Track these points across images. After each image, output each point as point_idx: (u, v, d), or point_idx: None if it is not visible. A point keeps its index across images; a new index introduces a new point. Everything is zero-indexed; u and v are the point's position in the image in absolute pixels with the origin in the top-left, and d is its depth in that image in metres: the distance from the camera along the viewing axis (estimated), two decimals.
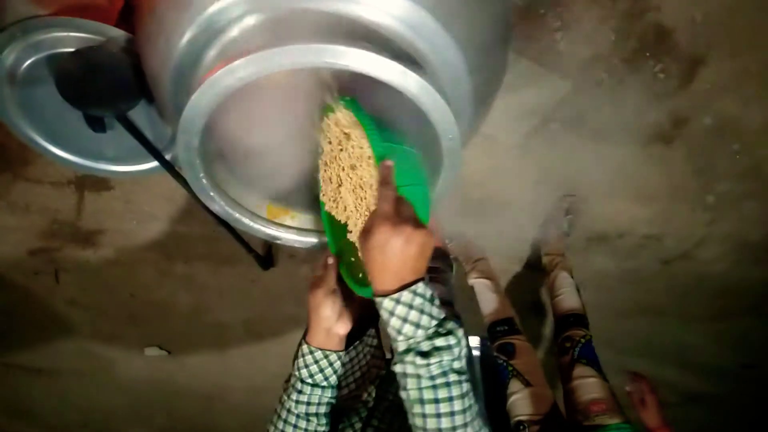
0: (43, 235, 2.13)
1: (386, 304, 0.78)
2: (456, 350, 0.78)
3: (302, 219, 1.20)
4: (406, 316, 0.78)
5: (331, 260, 1.03)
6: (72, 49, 1.21)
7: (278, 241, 1.17)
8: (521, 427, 1.68)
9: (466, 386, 0.79)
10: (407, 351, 0.79)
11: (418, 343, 0.78)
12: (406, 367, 0.79)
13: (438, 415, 0.79)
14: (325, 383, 1.00)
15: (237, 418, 3.16)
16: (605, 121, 1.83)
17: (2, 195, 1.95)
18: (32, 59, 1.26)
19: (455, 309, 1.43)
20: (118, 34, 1.23)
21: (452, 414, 0.78)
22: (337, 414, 1.10)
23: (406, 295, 0.77)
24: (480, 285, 2.14)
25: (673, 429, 1.65)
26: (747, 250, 2.35)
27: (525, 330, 1.98)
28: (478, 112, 1.10)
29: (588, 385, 1.75)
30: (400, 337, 0.79)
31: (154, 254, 2.22)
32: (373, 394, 1.11)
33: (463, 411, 0.78)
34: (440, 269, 1.57)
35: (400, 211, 0.79)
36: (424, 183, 0.92)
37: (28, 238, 2.14)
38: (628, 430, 1.62)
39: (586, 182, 2.07)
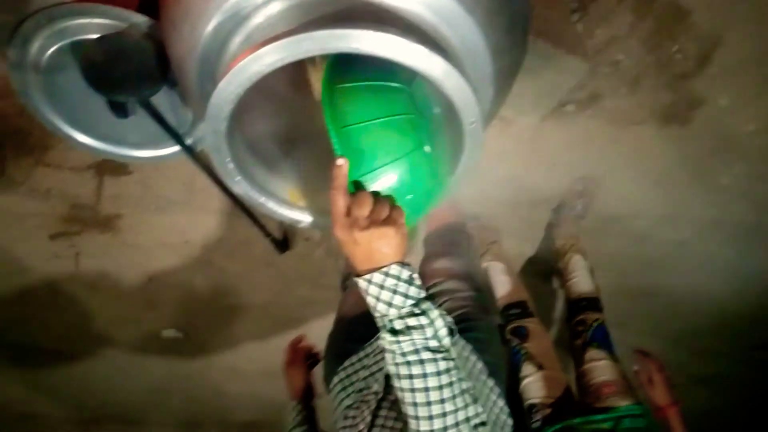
0: (63, 220, 2.16)
1: (360, 283, 0.83)
2: (429, 330, 0.81)
3: (323, 202, 1.22)
4: (378, 295, 0.82)
5: None
6: (96, 36, 1.22)
7: (301, 225, 1.19)
8: (534, 411, 1.70)
9: (443, 364, 0.82)
10: (382, 328, 0.84)
11: (391, 321, 0.82)
12: (383, 343, 0.84)
13: (412, 390, 0.83)
14: None
15: (252, 400, 3.21)
16: (621, 102, 1.83)
17: (23, 180, 1.98)
18: (56, 46, 1.28)
19: (476, 282, 1.45)
20: (141, 19, 1.24)
21: (426, 390, 0.82)
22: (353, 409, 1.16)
23: (377, 276, 0.82)
24: (493, 268, 2.16)
25: (680, 406, 1.67)
26: (761, 232, 2.35)
27: (538, 313, 2.00)
28: (498, 96, 1.11)
29: (599, 368, 1.77)
30: (376, 314, 0.84)
31: (171, 238, 2.25)
32: (383, 384, 1.15)
33: (439, 388, 0.82)
34: (460, 243, 1.59)
35: (351, 211, 0.83)
36: (414, 149, 0.91)
37: (49, 223, 2.17)
38: (639, 410, 1.64)
39: (600, 164, 2.08)
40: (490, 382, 1.18)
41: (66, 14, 1.23)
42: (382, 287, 0.82)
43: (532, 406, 1.71)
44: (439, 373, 0.82)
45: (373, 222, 0.82)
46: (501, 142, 1.95)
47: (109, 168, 1.96)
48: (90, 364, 2.88)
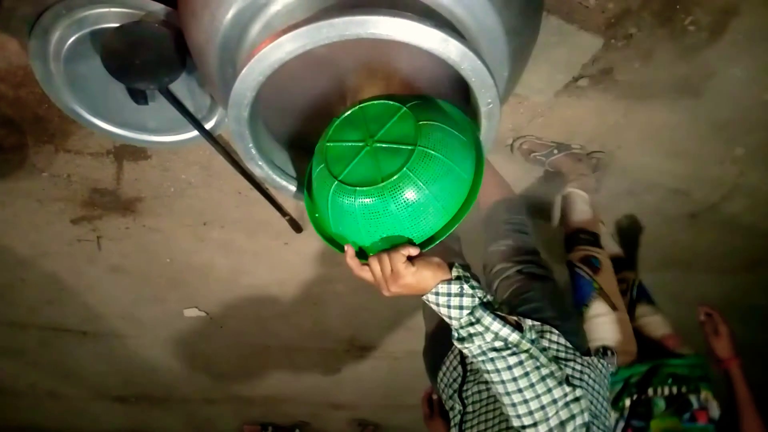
0: (84, 205, 2.20)
1: (424, 300, 0.96)
2: (488, 335, 0.91)
3: None
4: (440, 311, 0.94)
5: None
6: (115, 25, 1.25)
7: None
8: (607, 353, 1.53)
9: (513, 359, 0.92)
10: (453, 337, 0.96)
11: (456, 330, 0.94)
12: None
13: (493, 383, 0.95)
14: None
15: (272, 375, 3.28)
16: (634, 76, 1.83)
17: (45, 167, 2.01)
18: (76, 36, 1.31)
19: (524, 252, 1.54)
20: (158, 7, 1.27)
21: (503, 382, 0.93)
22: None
23: (431, 297, 0.94)
24: (577, 195, 1.99)
25: (741, 360, 1.66)
26: None
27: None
28: (513, 75, 1.12)
29: (656, 323, 1.79)
30: (448, 323, 0.96)
31: (190, 220, 2.28)
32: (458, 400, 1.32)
33: (513, 380, 0.92)
34: (509, 220, 1.66)
35: (376, 282, 0.97)
36: (386, 181, 0.95)
37: (71, 208, 2.21)
38: (702, 359, 1.69)
39: (614, 138, 2.08)
40: (554, 336, 1.26)
41: (85, 4, 1.26)
42: (437, 305, 0.93)
43: (605, 348, 1.57)
44: (509, 368, 0.92)
45: (387, 280, 0.94)
46: (514, 119, 1.95)
47: (128, 153, 1.99)
48: (115, 344, 2.94)
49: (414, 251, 0.94)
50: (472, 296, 0.92)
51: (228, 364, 3.18)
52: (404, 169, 0.92)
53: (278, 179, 1.12)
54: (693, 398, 1.57)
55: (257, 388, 3.38)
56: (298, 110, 1.19)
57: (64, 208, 2.21)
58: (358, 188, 0.94)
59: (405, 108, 0.98)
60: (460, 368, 1.35)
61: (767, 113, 2.00)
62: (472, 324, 0.91)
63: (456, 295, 0.92)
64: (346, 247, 0.99)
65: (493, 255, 1.57)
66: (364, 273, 0.97)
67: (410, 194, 0.93)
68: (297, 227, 2.22)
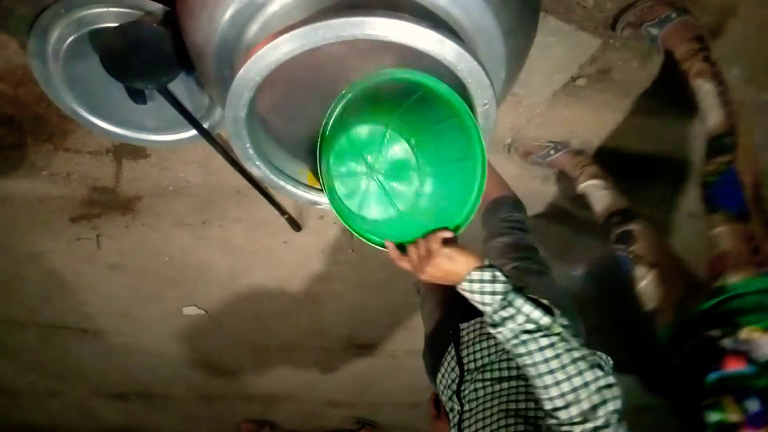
0: (83, 203, 2.21)
1: (460, 292, 1.01)
2: (519, 317, 0.95)
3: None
4: (473, 298, 0.99)
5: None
6: (114, 24, 1.26)
7: (318, 206, 1.23)
8: (655, 320, 1.47)
9: (544, 341, 0.95)
10: (487, 322, 1.00)
11: (490, 315, 0.98)
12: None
13: (525, 366, 0.97)
14: None
15: (271, 374, 3.29)
16: (633, 75, 1.83)
17: (44, 165, 2.02)
18: (75, 35, 1.32)
19: (521, 246, 1.58)
20: (156, 7, 1.27)
21: (534, 365, 0.95)
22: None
23: (465, 284, 0.99)
24: (591, 187, 1.94)
25: None
26: None
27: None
28: (510, 75, 1.12)
29: (715, 238, 1.45)
30: (481, 310, 1.00)
31: (189, 218, 2.29)
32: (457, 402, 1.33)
33: (545, 361, 0.94)
34: (507, 218, 1.68)
35: (413, 267, 1.03)
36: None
37: (70, 206, 2.22)
38: (760, 283, 1.32)
39: (612, 137, 2.08)
40: None
41: (83, 4, 1.26)
42: (472, 292, 0.98)
43: (651, 314, 1.48)
44: (541, 349, 0.94)
45: (422, 263, 1.00)
46: (512, 118, 1.96)
47: (127, 151, 1.99)
48: (114, 342, 2.95)
49: (448, 234, 1.01)
50: (505, 282, 0.97)
51: (226, 362, 3.19)
52: (415, 195, 1.01)
53: (275, 179, 1.13)
54: (728, 341, 1.26)
55: (255, 386, 3.39)
56: (300, 111, 1.19)
57: (64, 206, 2.22)
58: (379, 220, 1.04)
59: (390, 129, 1.03)
60: (457, 369, 1.36)
61: (766, 113, 2.00)
62: (504, 308, 0.95)
63: (489, 281, 0.96)
64: (386, 243, 1.04)
65: (490, 251, 1.60)
66: (404, 262, 1.03)
67: (427, 205, 1.01)
68: (296, 226, 2.23)
